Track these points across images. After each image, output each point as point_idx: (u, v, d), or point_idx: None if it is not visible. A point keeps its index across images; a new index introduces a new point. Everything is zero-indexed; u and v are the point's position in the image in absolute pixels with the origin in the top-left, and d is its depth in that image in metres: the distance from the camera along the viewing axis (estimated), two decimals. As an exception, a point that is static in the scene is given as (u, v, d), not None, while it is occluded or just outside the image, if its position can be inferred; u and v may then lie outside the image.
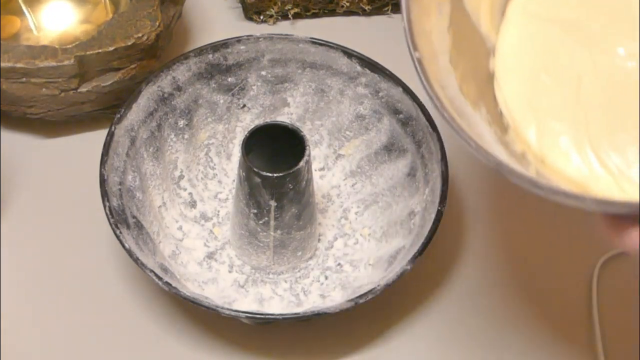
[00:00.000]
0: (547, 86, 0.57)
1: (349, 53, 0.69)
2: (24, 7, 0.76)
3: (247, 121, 0.72)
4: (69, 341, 0.64)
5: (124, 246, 0.60)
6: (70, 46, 0.68)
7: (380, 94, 0.69)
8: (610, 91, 0.54)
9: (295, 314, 0.60)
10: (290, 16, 0.82)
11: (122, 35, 0.69)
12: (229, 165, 0.72)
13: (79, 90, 0.70)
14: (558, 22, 0.58)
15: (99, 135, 0.67)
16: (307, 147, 0.60)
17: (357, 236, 0.69)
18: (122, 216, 0.63)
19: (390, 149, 0.69)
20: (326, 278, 0.67)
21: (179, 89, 0.69)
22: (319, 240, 0.68)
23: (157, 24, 0.70)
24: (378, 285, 0.59)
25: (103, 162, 0.63)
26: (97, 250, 0.68)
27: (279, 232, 0.63)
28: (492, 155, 0.49)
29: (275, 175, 0.59)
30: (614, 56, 0.56)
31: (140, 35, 0.69)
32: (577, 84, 0.56)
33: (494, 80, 0.60)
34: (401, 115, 0.68)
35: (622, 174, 0.51)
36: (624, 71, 0.54)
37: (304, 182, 0.61)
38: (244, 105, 0.72)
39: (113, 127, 0.65)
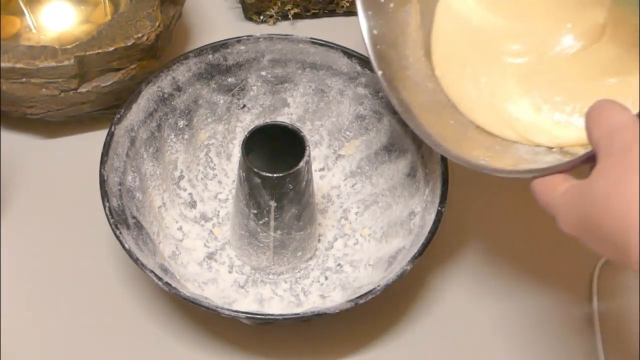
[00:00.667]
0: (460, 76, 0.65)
1: (349, 53, 0.69)
2: (24, 8, 0.76)
3: (247, 121, 0.72)
4: (69, 341, 0.64)
5: (123, 246, 0.60)
6: (70, 46, 0.68)
7: (380, 94, 0.69)
8: (501, 88, 0.63)
9: (295, 314, 0.60)
10: (290, 16, 0.82)
11: (122, 35, 0.69)
12: (229, 165, 0.72)
13: (78, 91, 0.70)
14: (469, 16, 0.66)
15: (99, 136, 0.67)
16: (307, 148, 0.60)
17: (357, 236, 0.69)
18: (122, 216, 0.62)
19: (390, 149, 0.69)
20: (326, 278, 0.67)
21: (178, 89, 0.69)
22: (319, 240, 0.68)
23: (157, 24, 0.70)
24: (378, 286, 0.59)
25: (103, 163, 0.63)
26: (97, 251, 0.68)
27: (279, 232, 0.63)
28: (442, 147, 0.60)
29: (275, 175, 0.59)
30: (505, 56, 0.64)
31: (140, 35, 0.69)
32: (475, 81, 0.65)
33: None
34: (401, 116, 0.68)
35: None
36: (514, 67, 0.64)
37: (304, 183, 0.61)
38: (244, 106, 0.72)
39: (113, 128, 0.65)
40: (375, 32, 0.64)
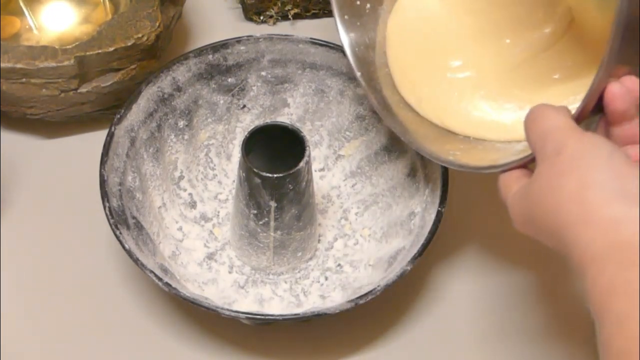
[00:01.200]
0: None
1: (349, 53, 0.69)
2: (24, 8, 0.77)
3: (247, 122, 0.72)
4: (69, 341, 0.64)
5: (124, 247, 0.60)
6: (70, 47, 0.68)
7: (380, 95, 0.69)
8: (446, 100, 0.65)
9: (295, 314, 0.60)
10: (290, 17, 0.82)
11: (122, 35, 0.69)
12: (229, 165, 0.72)
13: (78, 91, 0.70)
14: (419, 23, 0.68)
15: (99, 136, 0.67)
16: (307, 148, 0.60)
17: (357, 237, 0.69)
18: (122, 217, 0.62)
19: (390, 149, 0.69)
20: (326, 279, 0.67)
21: (178, 89, 0.69)
22: (319, 240, 0.68)
23: (157, 24, 0.70)
24: (378, 286, 0.59)
25: (103, 163, 0.63)
26: (97, 251, 0.68)
27: (279, 232, 0.63)
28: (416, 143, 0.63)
29: (275, 175, 0.59)
30: (447, 71, 0.65)
31: (140, 35, 0.69)
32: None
33: None
34: (401, 116, 0.68)
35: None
36: (457, 82, 0.65)
37: (304, 183, 0.61)
38: (244, 106, 0.72)
39: (113, 128, 0.65)
40: (352, 35, 0.66)
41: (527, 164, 0.53)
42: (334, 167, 0.72)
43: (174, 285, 0.59)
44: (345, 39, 0.67)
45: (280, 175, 0.59)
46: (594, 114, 0.50)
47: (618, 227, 0.41)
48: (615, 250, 0.41)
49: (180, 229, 0.68)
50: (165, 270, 0.62)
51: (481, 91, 0.64)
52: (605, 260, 0.41)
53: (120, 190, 0.64)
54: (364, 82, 0.66)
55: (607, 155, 0.45)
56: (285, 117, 0.72)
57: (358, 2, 0.67)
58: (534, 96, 0.62)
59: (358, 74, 0.66)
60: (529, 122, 0.50)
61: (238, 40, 0.70)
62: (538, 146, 0.48)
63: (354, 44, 0.67)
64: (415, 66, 0.66)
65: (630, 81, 0.48)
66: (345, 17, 0.67)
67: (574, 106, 0.57)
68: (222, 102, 0.71)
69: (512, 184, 0.52)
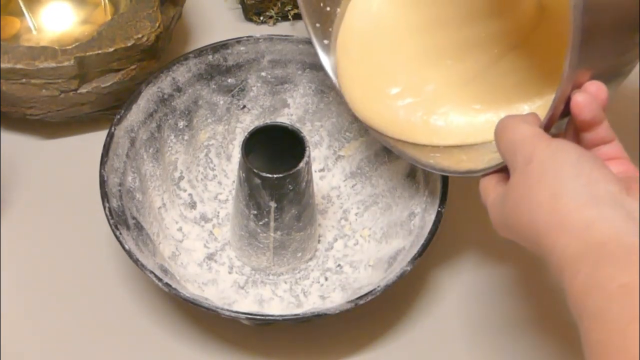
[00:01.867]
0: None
1: (348, 54, 0.69)
2: (23, 8, 0.77)
3: (247, 122, 0.72)
4: (69, 341, 0.64)
5: (123, 247, 0.60)
6: (70, 47, 0.68)
7: (380, 95, 0.69)
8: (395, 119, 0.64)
9: (295, 315, 0.60)
10: (290, 17, 0.82)
11: (122, 36, 0.69)
12: (229, 166, 0.72)
13: (78, 91, 0.70)
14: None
15: (99, 136, 0.67)
16: (307, 148, 0.60)
17: (357, 237, 0.69)
18: (122, 217, 0.63)
19: (390, 150, 0.69)
20: (326, 279, 0.67)
21: (178, 90, 0.69)
22: (318, 241, 0.68)
23: (157, 25, 0.70)
24: (378, 287, 0.59)
25: (103, 163, 0.63)
26: (97, 251, 0.68)
27: (278, 233, 0.63)
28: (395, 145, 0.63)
29: (275, 176, 0.59)
30: (386, 98, 0.64)
31: (140, 36, 0.69)
32: None
33: None
34: (401, 116, 0.68)
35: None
36: (399, 108, 0.64)
37: (304, 183, 0.61)
38: (244, 106, 0.72)
39: (113, 128, 0.65)
40: (326, 42, 0.66)
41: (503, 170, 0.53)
42: (333, 168, 0.72)
43: (174, 286, 0.59)
44: (319, 48, 0.66)
45: (280, 175, 0.59)
46: (563, 117, 0.50)
47: (590, 230, 0.43)
48: (588, 252, 0.43)
49: (180, 229, 0.68)
50: (165, 271, 0.62)
51: (434, 115, 0.63)
52: (580, 261, 0.43)
53: (120, 190, 0.64)
54: (342, 92, 0.65)
55: (575, 161, 0.46)
56: (285, 118, 0.72)
57: (328, 9, 0.67)
58: (498, 105, 0.61)
59: (335, 80, 0.66)
60: (498, 133, 0.51)
61: (238, 41, 0.70)
62: (509, 157, 0.49)
63: (329, 52, 0.66)
64: (355, 87, 0.65)
65: (594, 86, 0.48)
66: (317, 25, 0.66)
67: (541, 103, 0.57)
68: (222, 102, 0.71)
69: (490, 191, 0.53)
